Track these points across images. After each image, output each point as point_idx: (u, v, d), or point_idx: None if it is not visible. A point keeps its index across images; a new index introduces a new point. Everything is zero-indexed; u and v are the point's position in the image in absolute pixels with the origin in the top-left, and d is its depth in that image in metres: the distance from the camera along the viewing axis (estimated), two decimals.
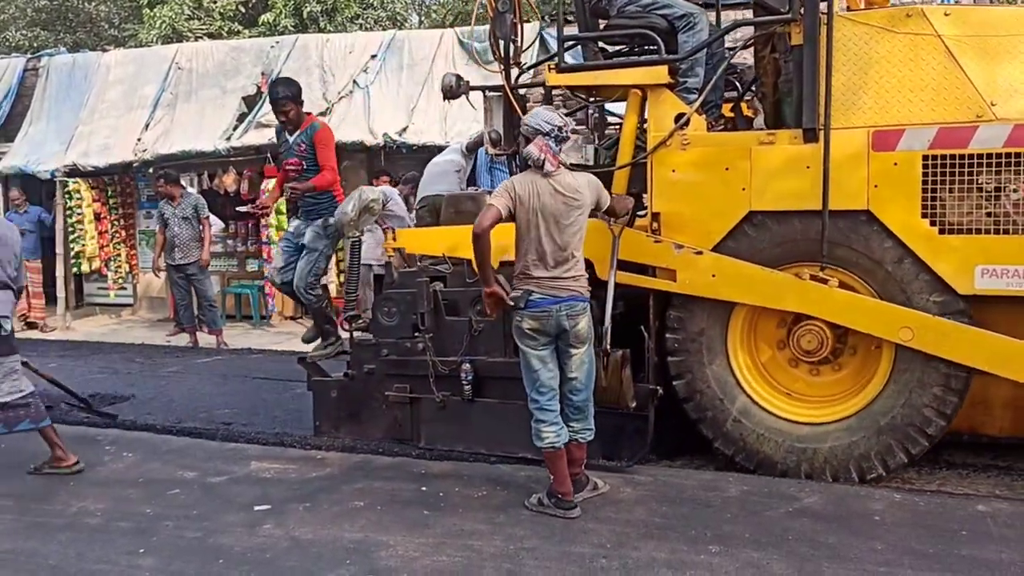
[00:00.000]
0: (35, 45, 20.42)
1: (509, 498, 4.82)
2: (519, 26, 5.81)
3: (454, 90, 6.05)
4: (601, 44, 5.88)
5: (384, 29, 17.35)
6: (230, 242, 12.64)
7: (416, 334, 5.72)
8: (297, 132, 6.34)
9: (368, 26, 18.98)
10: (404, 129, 10.77)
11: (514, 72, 5.91)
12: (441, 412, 5.67)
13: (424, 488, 5.01)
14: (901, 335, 4.76)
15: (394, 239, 6.16)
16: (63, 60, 13.27)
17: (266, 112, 11.35)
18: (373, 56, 11.61)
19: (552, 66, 5.51)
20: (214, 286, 11.19)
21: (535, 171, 4.55)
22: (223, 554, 4.21)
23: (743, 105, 6.03)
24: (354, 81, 11.47)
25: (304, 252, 6.35)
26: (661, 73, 5.17)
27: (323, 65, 11.68)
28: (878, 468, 4.91)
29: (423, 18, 24.36)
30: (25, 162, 12.10)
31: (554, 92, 6.60)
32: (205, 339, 10.53)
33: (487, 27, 11.94)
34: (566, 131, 4.61)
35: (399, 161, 11.04)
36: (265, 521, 4.61)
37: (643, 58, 5.46)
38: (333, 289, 11.48)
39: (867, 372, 5.07)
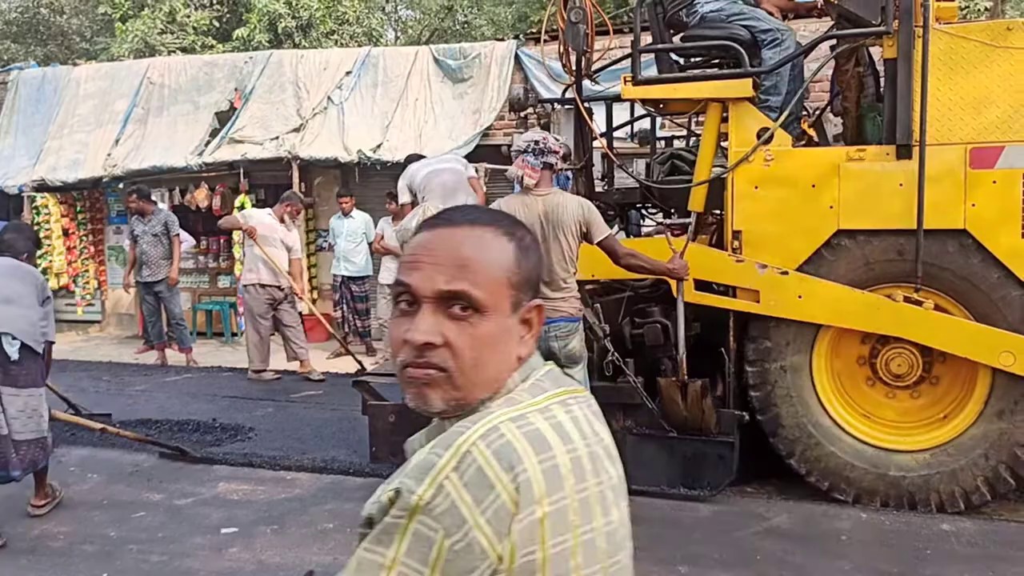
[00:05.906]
0: (5, 58, 20.26)
1: None
2: (591, 37, 5.64)
3: (522, 102, 5.89)
4: (674, 56, 5.70)
5: (360, 45, 17.34)
6: (201, 258, 12.56)
7: None
8: None
9: (344, 42, 18.96)
10: (378, 146, 10.76)
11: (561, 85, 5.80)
12: None
13: None
14: (1002, 360, 4.62)
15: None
16: (33, 74, 13.13)
17: (239, 128, 11.32)
18: (348, 72, 11.59)
19: (627, 78, 5.28)
20: (184, 303, 11.09)
21: (523, 192, 4.59)
22: None
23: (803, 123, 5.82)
24: (328, 97, 11.44)
25: None
26: (745, 86, 5.00)
27: (297, 81, 11.64)
28: (848, 497, 4.94)
29: (399, 34, 24.41)
30: None
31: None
32: (174, 357, 10.42)
33: (460, 45, 11.98)
34: (544, 143, 4.61)
35: (373, 178, 11.03)
36: (232, 544, 4.57)
37: (726, 71, 5.28)
38: (307, 308, 11.42)
39: (908, 427, 5.00)
